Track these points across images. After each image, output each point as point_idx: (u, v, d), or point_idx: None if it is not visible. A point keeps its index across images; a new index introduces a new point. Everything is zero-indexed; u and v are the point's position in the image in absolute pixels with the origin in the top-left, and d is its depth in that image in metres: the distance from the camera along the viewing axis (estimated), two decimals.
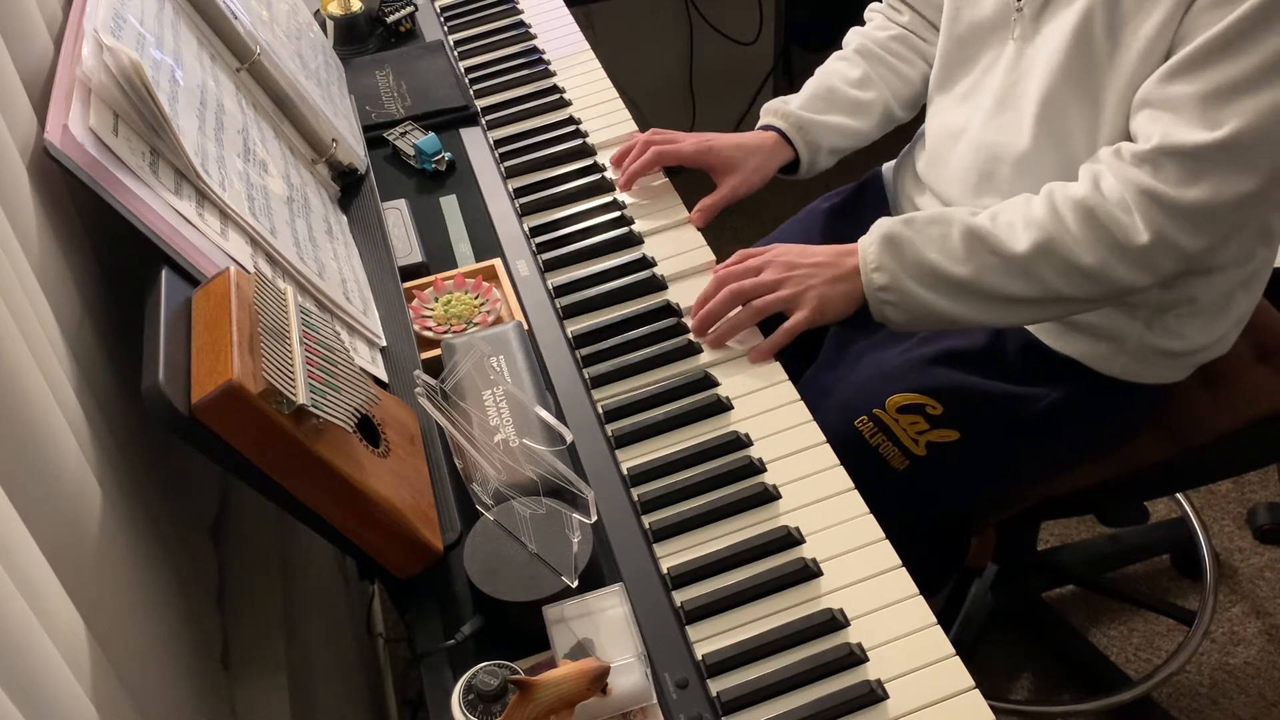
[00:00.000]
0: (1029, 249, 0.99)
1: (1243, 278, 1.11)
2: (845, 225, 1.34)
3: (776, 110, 1.29)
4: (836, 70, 1.32)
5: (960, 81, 1.20)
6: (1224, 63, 0.91)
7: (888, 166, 1.39)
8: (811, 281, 1.05)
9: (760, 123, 1.31)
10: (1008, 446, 1.16)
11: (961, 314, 1.03)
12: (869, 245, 1.05)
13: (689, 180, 1.30)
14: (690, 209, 1.21)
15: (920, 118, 1.32)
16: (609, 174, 1.27)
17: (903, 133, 1.35)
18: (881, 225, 1.05)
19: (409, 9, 1.57)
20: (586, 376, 1.03)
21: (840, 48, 1.36)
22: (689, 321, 1.07)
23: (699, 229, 1.20)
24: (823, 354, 1.28)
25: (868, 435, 1.13)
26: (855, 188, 1.40)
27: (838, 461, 0.93)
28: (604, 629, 0.77)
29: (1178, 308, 1.10)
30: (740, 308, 1.05)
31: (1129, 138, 1.01)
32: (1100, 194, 0.98)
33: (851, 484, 0.91)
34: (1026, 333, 1.17)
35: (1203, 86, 0.92)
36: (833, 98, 1.29)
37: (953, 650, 0.79)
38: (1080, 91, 1.03)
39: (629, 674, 0.74)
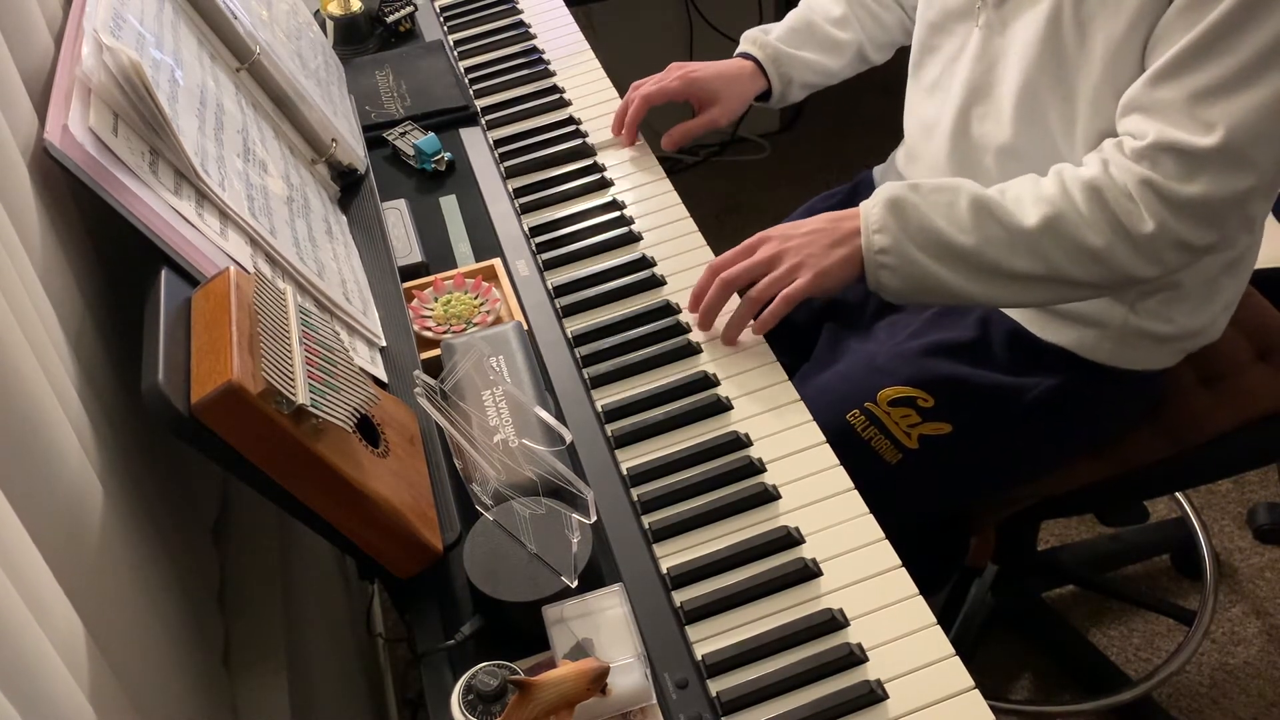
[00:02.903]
0: (1037, 224, 0.99)
1: (1226, 263, 1.11)
2: None
3: (755, 40, 1.35)
4: (819, 5, 1.37)
5: (928, 69, 1.21)
6: (1206, 65, 0.92)
7: (878, 169, 1.40)
8: (808, 250, 1.04)
9: (739, 49, 1.37)
10: (1000, 438, 1.16)
11: (960, 286, 1.02)
12: (872, 207, 1.03)
13: (690, 179, 1.30)
14: (690, 209, 1.21)
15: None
16: (608, 173, 1.28)
17: (895, 135, 1.35)
18: (887, 189, 1.04)
19: (409, 9, 1.57)
20: (586, 376, 1.03)
21: None
22: (688, 320, 1.07)
23: (670, 152, 1.29)
24: (816, 350, 1.28)
25: (859, 429, 1.13)
26: (850, 189, 1.41)
27: (837, 461, 0.93)
28: (604, 629, 0.77)
29: (1162, 291, 1.10)
30: (737, 297, 1.05)
31: (1105, 135, 1.02)
32: (1110, 177, 0.98)
33: (851, 484, 0.91)
34: (1013, 322, 1.17)
35: (1188, 90, 0.93)
36: (811, 33, 1.35)
37: (953, 650, 0.79)
38: (1055, 85, 1.04)
39: (629, 674, 0.74)
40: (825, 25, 1.34)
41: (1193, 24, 0.92)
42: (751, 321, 1.04)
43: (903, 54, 1.41)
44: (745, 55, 1.35)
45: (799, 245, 1.04)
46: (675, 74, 1.32)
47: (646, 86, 1.31)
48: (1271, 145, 0.93)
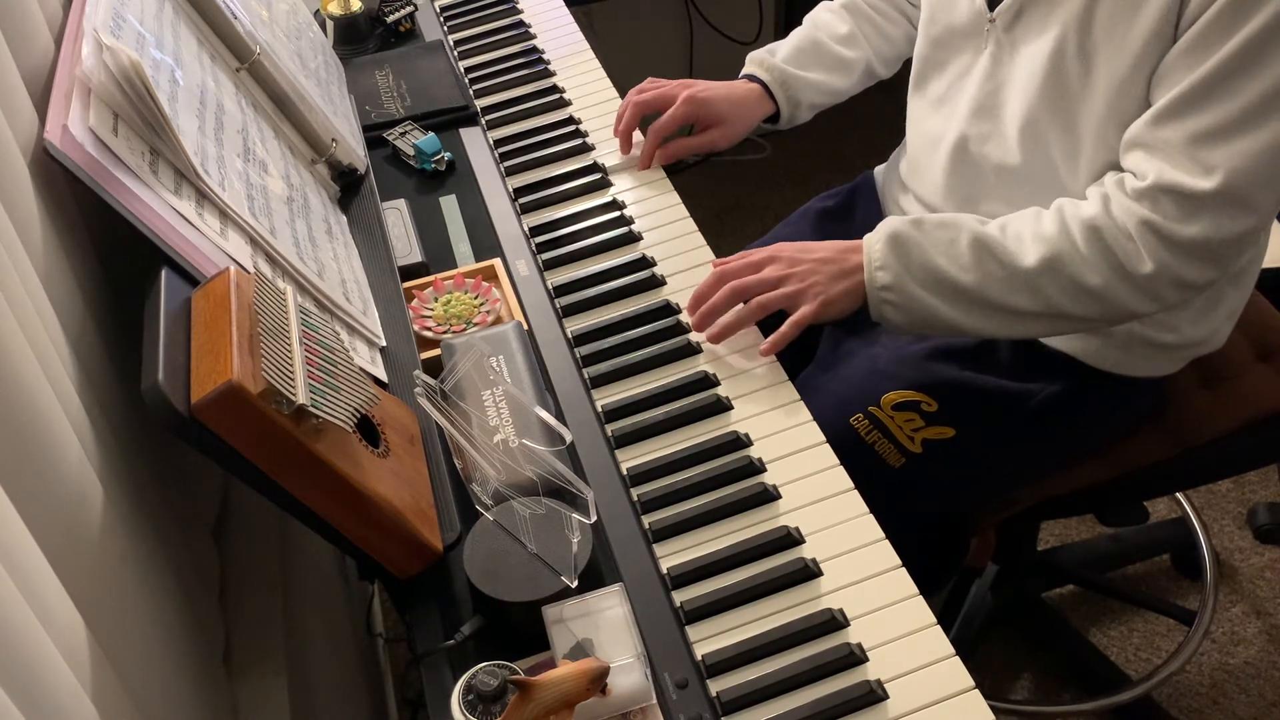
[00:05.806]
0: (1036, 264, 0.99)
1: (1230, 274, 1.11)
2: (839, 225, 1.37)
3: (761, 62, 1.33)
4: (824, 23, 1.35)
5: (933, 84, 1.20)
6: (1208, 108, 0.92)
7: (879, 170, 1.39)
8: (815, 278, 1.05)
9: (744, 71, 1.34)
10: (1003, 443, 1.16)
11: (961, 321, 1.03)
12: (875, 243, 1.05)
13: (690, 179, 1.30)
14: (690, 209, 1.21)
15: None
16: (608, 173, 1.28)
17: (895, 135, 1.35)
18: (889, 225, 1.05)
19: (409, 9, 1.57)
20: (586, 376, 1.03)
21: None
22: (688, 320, 1.07)
23: (661, 165, 1.28)
24: (818, 353, 1.28)
25: (863, 433, 1.13)
26: (849, 189, 1.41)
27: (838, 461, 0.93)
28: (604, 629, 0.77)
29: None
30: (741, 304, 1.05)
31: (1109, 166, 1.02)
32: (1109, 216, 0.98)
33: (851, 484, 0.91)
34: None
35: (1189, 131, 0.93)
36: (818, 53, 1.33)
37: (953, 650, 0.79)
38: (1056, 117, 1.04)
39: (629, 674, 0.74)
40: (832, 44, 1.32)
41: (1196, 65, 0.92)
42: (755, 334, 1.05)
43: None
44: (751, 77, 1.32)
45: (807, 271, 1.05)
46: (682, 95, 1.29)
47: (646, 99, 1.30)
48: (1271, 189, 0.94)
